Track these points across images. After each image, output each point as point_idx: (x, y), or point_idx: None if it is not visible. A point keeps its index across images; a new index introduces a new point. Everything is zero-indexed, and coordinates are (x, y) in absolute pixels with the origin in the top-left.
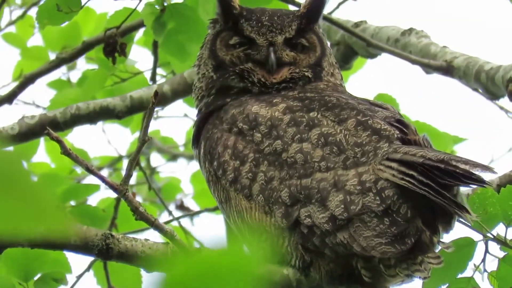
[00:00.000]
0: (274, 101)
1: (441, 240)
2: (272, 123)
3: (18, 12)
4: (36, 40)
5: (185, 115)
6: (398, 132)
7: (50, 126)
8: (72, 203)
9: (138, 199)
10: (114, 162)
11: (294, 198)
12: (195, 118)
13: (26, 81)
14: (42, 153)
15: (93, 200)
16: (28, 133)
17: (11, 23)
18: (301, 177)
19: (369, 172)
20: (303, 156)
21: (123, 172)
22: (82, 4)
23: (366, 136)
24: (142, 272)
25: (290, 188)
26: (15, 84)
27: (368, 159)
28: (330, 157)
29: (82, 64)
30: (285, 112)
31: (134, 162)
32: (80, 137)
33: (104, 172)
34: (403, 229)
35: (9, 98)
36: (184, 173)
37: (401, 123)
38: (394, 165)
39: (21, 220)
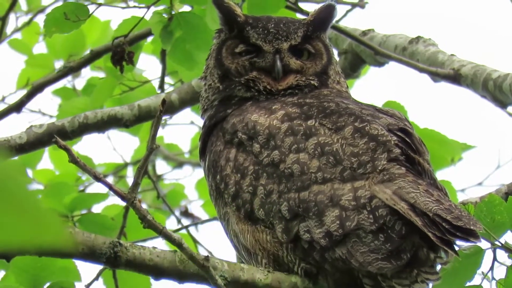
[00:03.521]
0: (273, 107)
1: (439, 255)
2: (270, 131)
3: (24, 19)
4: (40, 47)
5: (192, 122)
6: (396, 139)
7: (58, 135)
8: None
9: (143, 206)
10: (119, 169)
11: (293, 212)
12: (201, 129)
13: (34, 90)
14: (47, 160)
15: (98, 207)
16: (36, 142)
17: (17, 29)
18: (299, 190)
19: (365, 187)
20: (299, 167)
21: (128, 179)
22: (90, 12)
23: (363, 144)
24: (151, 280)
25: (289, 201)
26: (21, 92)
27: (365, 170)
28: (327, 168)
29: (87, 72)
30: (283, 120)
31: (142, 170)
32: (84, 143)
33: (109, 180)
34: (397, 245)
35: (17, 107)
36: (189, 179)
37: (404, 132)
38: (388, 191)
39: (21, 233)
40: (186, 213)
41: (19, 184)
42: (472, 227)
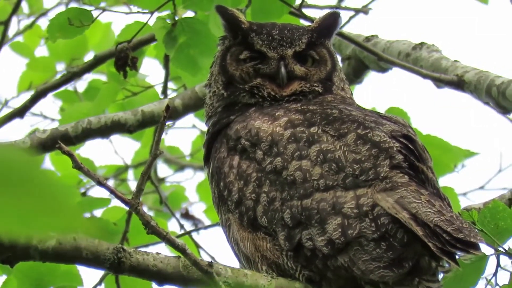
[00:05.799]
0: (276, 114)
1: (441, 264)
2: (273, 138)
3: (26, 22)
4: (42, 50)
5: (193, 126)
6: (398, 145)
7: (62, 140)
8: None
9: (144, 208)
10: (120, 172)
11: (295, 220)
12: (205, 136)
13: (37, 95)
14: (48, 163)
15: (99, 211)
16: (39, 147)
17: (19, 32)
18: (302, 197)
19: (367, 195)
20: (302, 174)
21: (130, 183)
22: (93, 17)
23: (366, 151)
24: (154, 285)
25: (291, 209)
26: (23, 95)
27: (368, 177)
28: (329, 175)
29: (88, 75)
30: (286, 126)
31: (145, 176)
32: (85, 145)
33: (111, 183)
34: (399, 254)
35: (21, 112)
36: (190, 182)
37: (407, 139)
38: (390, 200)
39: (44, 220)
40: (186, 215)
41: (45, 175)
42: (472, 240)
